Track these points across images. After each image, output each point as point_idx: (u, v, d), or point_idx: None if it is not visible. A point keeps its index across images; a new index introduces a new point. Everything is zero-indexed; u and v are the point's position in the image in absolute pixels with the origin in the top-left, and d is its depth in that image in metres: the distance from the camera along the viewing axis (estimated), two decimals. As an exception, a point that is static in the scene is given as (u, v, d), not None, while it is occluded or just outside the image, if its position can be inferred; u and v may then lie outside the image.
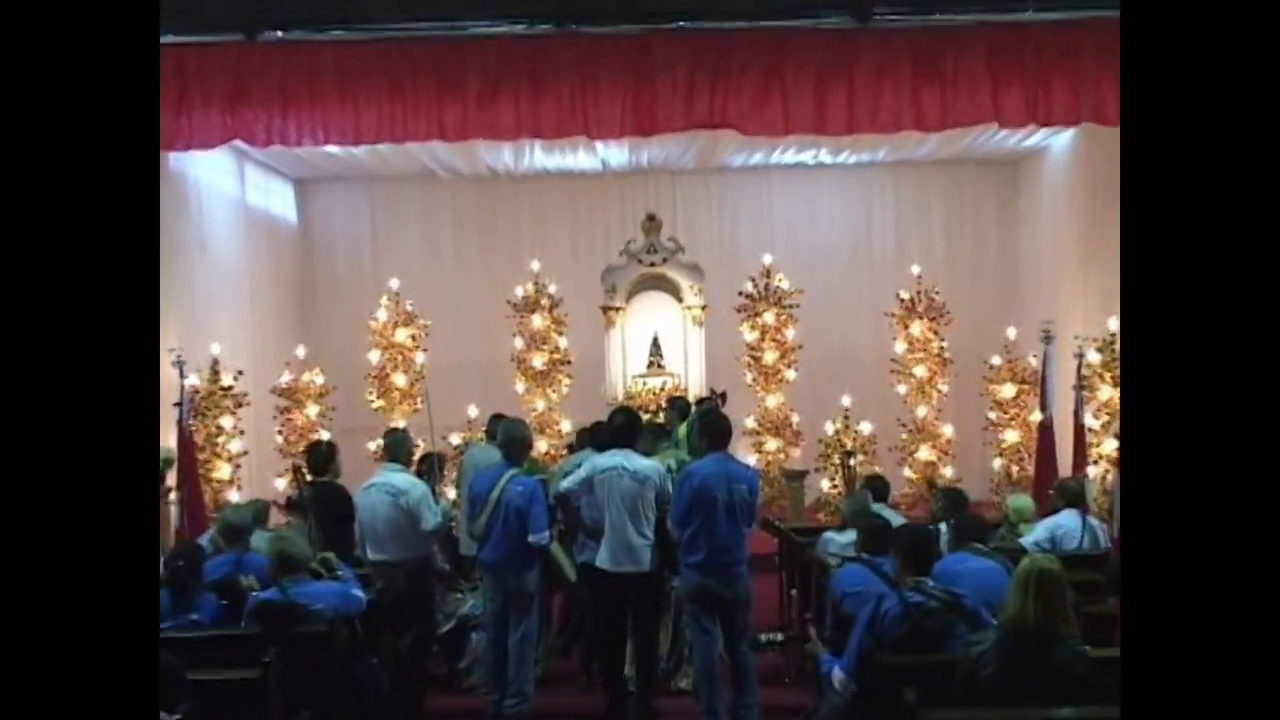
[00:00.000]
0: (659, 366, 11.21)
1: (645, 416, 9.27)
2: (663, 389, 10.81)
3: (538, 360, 10.95)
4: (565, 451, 8.59)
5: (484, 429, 7.40)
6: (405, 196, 12.85)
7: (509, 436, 5.62)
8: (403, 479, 5.76)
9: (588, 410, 9.55)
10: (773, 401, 10.94)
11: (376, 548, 5.70)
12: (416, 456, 6.73)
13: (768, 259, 11.29)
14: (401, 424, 10.00)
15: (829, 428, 10.29)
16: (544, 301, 11.11)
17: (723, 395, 8.87)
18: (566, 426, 10.67)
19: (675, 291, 11.25)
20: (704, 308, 11.14)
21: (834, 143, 11.43)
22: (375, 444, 8.98)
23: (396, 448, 5.97)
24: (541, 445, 10.39)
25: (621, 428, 5.60)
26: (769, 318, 11.03)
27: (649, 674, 5.47)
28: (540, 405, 10.88)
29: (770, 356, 10.98)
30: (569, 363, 11.06)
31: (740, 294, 11.16)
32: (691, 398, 9.66)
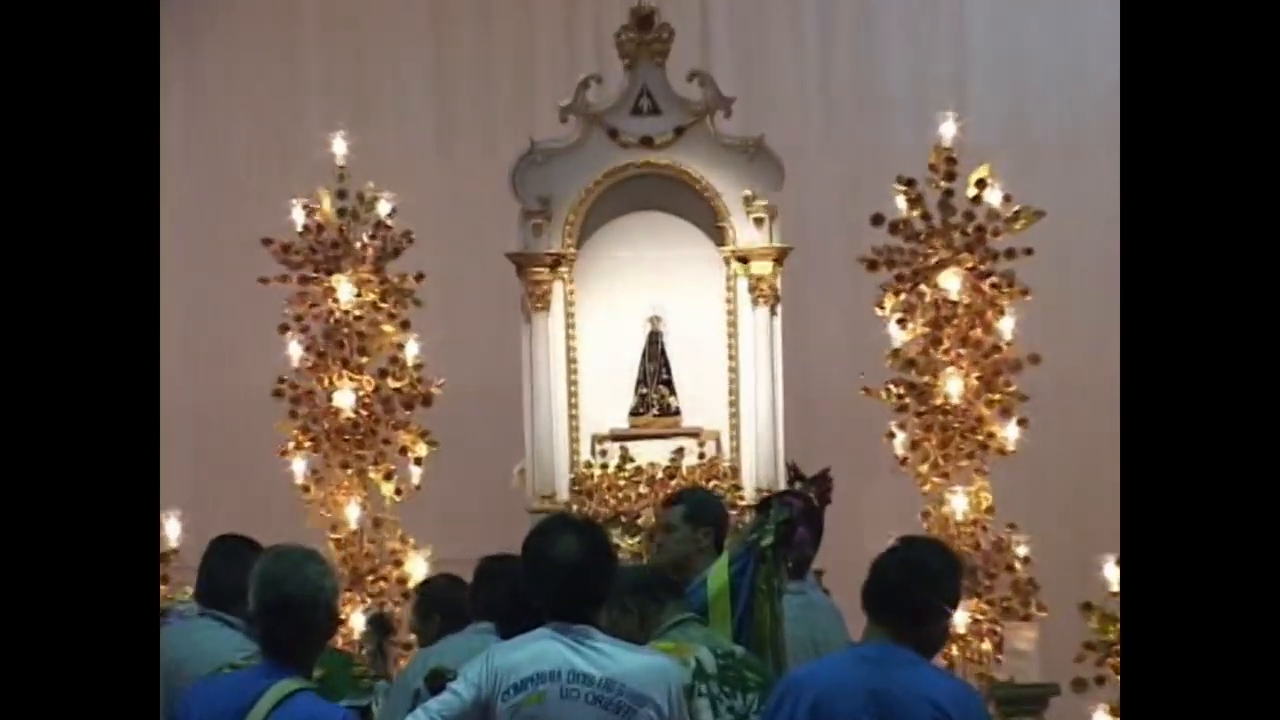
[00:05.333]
0: (663, 410, 11.37)
1: (627, 543, 8.93)
2: (673, 471, 11.06)
3: (345, 395, 11.49)
4: (412, 638, 9.03)
5: (199, 576, 7.65)
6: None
7: (271, 597, 5.51)
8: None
9: (479, 525, 9.44)
10: (962, 505, 11.45)
11: None
12: None
13: (948, 129, 11.89)
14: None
15: (1111, 573, 10.66)
16: (362, 239, 11.66)
17: (822, 483, 8.67)
18: (420, 569, 11.19)
19: (703, 216, 11.45)
20: (779, 259, 11.37)
21: None
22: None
23: None
24: (354, 618, 10.83)
25: (566, 574, 5.75)
26: (952, 284, 11.45)
27: None
28: (353, 515, 11.56)
29: (955, 386, 11.52)
30: (427, 402, 11.71)
31: (877, 221, 11.69)
32: (748, 493, 10.45)
